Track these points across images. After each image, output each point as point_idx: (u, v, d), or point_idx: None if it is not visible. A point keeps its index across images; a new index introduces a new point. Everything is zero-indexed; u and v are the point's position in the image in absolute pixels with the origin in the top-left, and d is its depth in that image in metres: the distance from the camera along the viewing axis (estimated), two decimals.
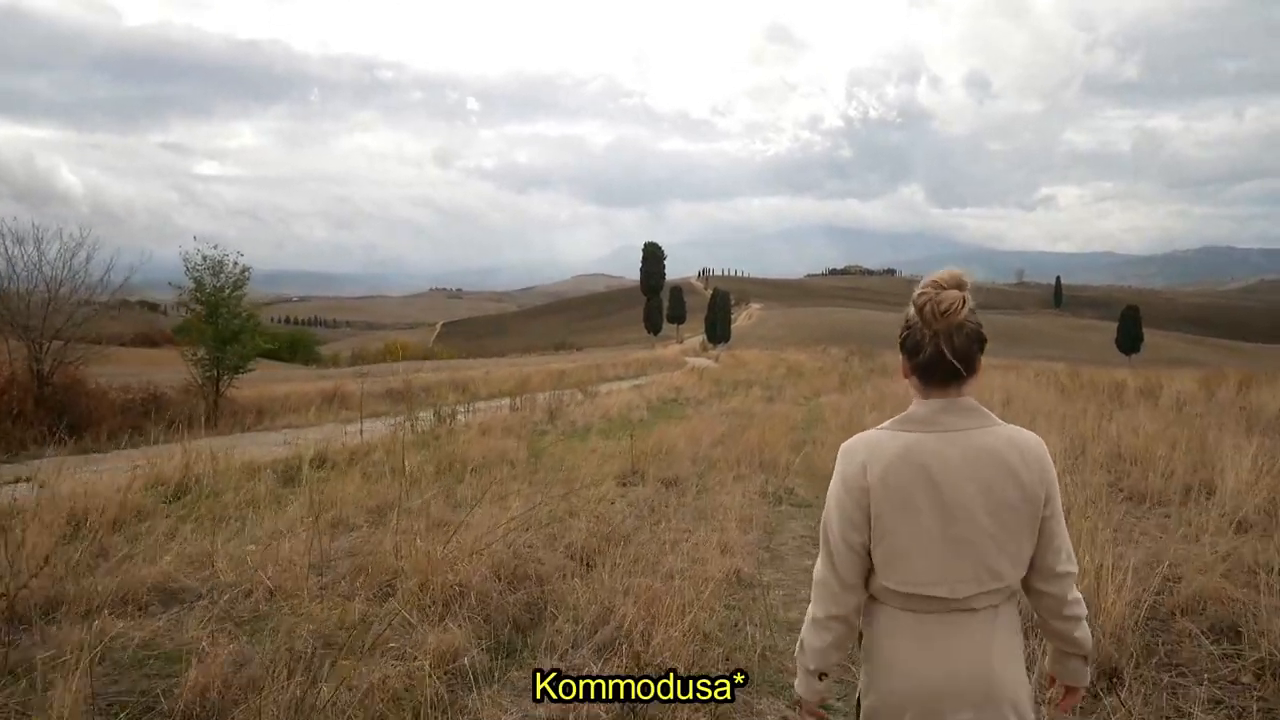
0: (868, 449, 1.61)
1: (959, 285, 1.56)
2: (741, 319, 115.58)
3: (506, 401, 14.91)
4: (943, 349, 1.55)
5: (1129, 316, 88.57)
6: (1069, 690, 1.75)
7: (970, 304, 1.56)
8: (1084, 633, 1.68)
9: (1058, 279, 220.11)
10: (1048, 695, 2.18)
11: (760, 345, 65.74)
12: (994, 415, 1.62)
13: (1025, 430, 1.62)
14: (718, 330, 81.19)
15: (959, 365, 1.56)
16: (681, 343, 75.26)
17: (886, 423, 1.65)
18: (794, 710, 2.95)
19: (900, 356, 1.65)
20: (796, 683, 1.73)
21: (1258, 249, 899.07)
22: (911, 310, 1.60)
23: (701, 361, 39.36)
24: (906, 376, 1.65)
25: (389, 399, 17.09)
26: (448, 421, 10.71)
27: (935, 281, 1.58)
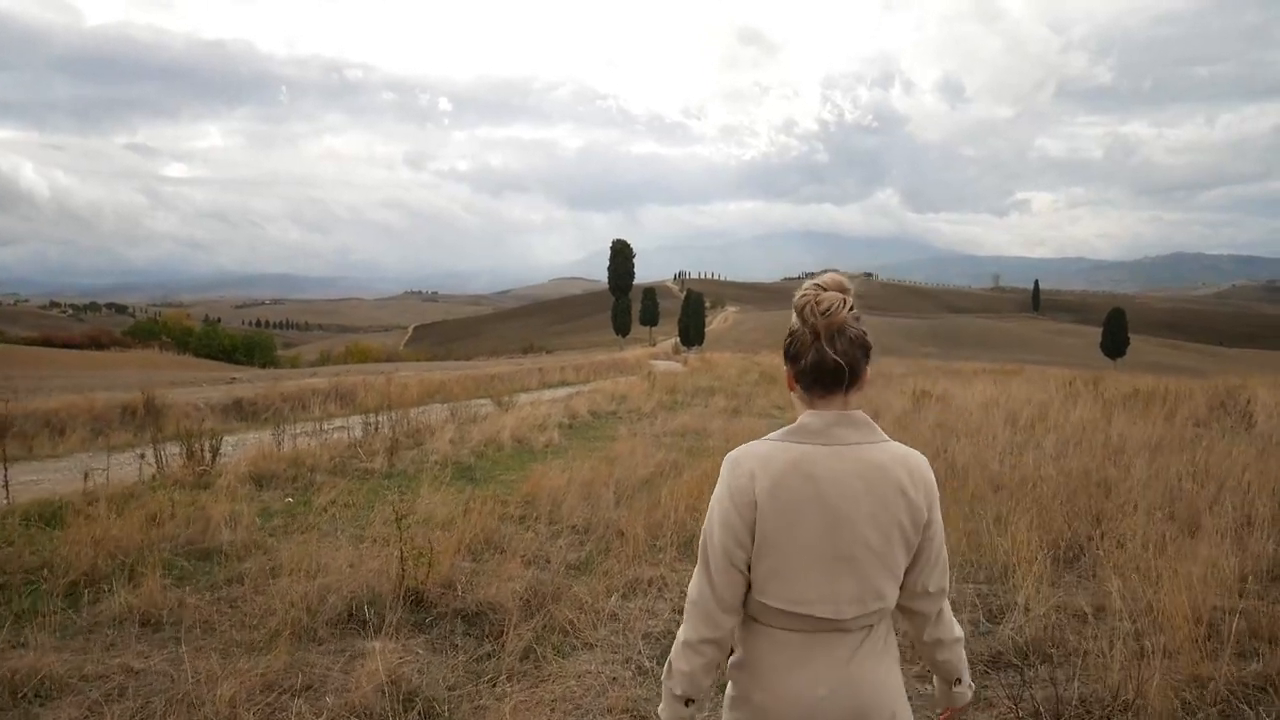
0: (756, 460, 1.47)
1: (841, 289, 1.49)
2: (717, 322, 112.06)
3: (380, 419, 10.86)
4: (825, 352, 1.44)
5: (1115, 320, 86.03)
6: (950, 710, 1.69)
7: (853, 309, 1.47)
8: (950, 655, 1.60)
9: (1035, 283, 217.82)
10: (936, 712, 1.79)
11: (734, 348, 62.12)
12: (880, 429, 1.50)
13: (910, 448, 1.52)
14: (691, 333, 77.65)
15: (842, 370, 1.45)
16: (654, 345, 71.47)
17: (775, 433, 1.51)
18: None
19: (786, 367, 1.54)
20: (661, 708, 1.56)
21: (1228, 255, 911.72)
22: (794, 316, 1.50)
23: (668, 365, 35.46)
24: (791, 388, 1.53)
25: (229, 414, 12.99)
26: (199, 459, 6.69)
27: (817, 283, 1.50)
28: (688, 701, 1.50)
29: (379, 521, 5.11)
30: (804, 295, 1.47)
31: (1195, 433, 9.37)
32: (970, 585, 4.33)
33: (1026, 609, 3.75)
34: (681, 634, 1.51)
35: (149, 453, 6.74)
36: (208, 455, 6.81)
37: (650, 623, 3.75)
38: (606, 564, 4.67)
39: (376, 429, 10.01)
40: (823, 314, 1.43)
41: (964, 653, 1.61)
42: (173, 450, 7.22)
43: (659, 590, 4.26)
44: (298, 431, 9.24)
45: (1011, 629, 3.52)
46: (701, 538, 1.50)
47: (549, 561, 4.76)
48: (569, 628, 3.58)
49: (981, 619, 3.83)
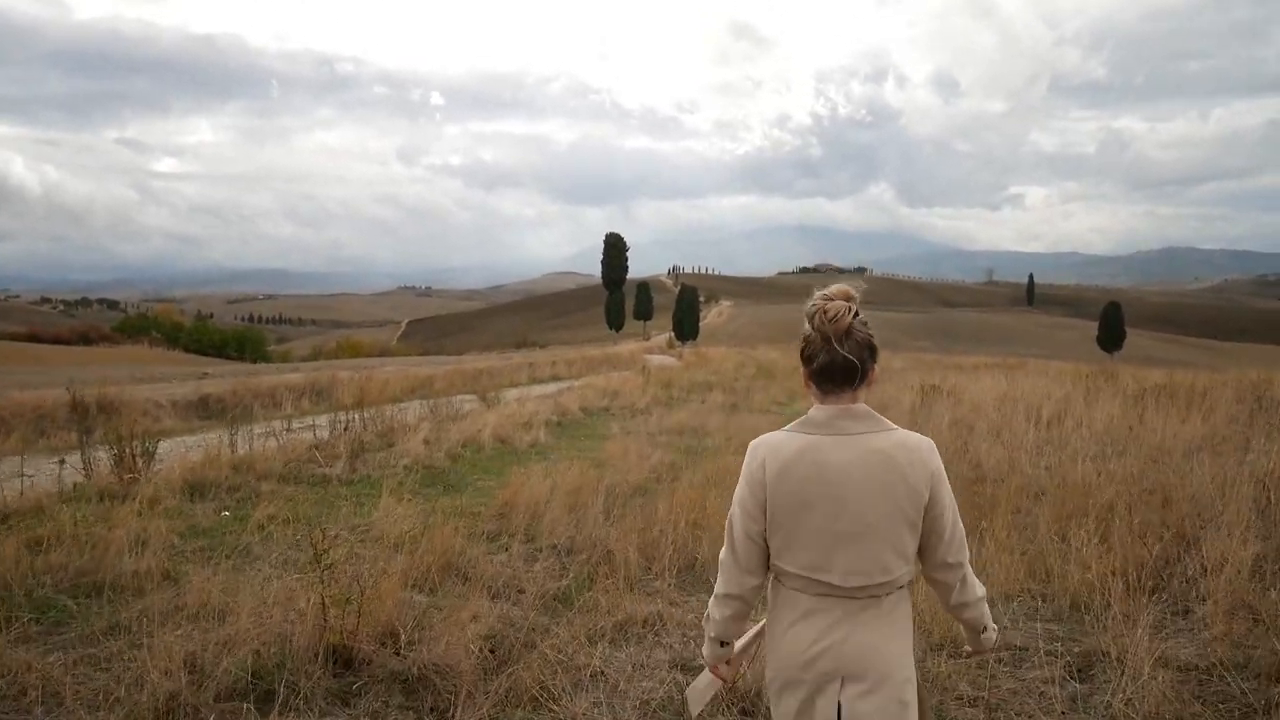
0: (768, 448, 1.68)
1: (847, 298, 1.65)
2: (711, 316, 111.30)
3: (350, 417, 10.00)
4: (834, 354, 1.62)
5: (1111, 314, 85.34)
6: (978, 651, 1.88)
7: (858, 314, 1.64)
8: (974, 613, 1.76)
9: (1030, 277, 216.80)
10: (963, 650, 1.99)
11: (729, 342, 61.28)
12: (885, 420, 1.66)
13: (915, 434, 1.68)
14: (685, 327, 76.78)
15: (852, 368, 1.62)
16: (648, 339, 70.62)
17: (790, 425, 1.71)
18: None
19: (801, 368, 1.70)
20: (704, 647, 1.84)
21: (1221, 249, 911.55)
22: (805, 324, 1.67)
23: (662, 359, 34.60)
24: (806, 385, 1.70)
25: (193, 412, 12.12)
26: (129, 465, 5.84)
27: (825, 295, 1.67)
28: (722, 643, 1.78)
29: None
30: (814, 305, 1.65)
31: (1242, 432, 8.58)
32: (1038, 624, 3.52)
33: (1122, 662, 2.94)
34: (716, 587, 1.75)
35: (70, 458, 5.88)
36: (139, 461, 5.95)
37: (645, 684, 2.93)
38: (592, 596, 3.86)
39: (346, 428, 9.16)
40: (830, 320, 1.61)
41: (986, 606, 1.76)
42: (105, 455, 6.37)
43: (655, 634, 3.43)
44: (258, 431, 8.39)
45: (1119, 698, 2.70)
46: (729, 513, 1.73)
47: (522, 593, 3.94)
48: (540, 695, 2.76)
49: (1067, 678, 3.01)
